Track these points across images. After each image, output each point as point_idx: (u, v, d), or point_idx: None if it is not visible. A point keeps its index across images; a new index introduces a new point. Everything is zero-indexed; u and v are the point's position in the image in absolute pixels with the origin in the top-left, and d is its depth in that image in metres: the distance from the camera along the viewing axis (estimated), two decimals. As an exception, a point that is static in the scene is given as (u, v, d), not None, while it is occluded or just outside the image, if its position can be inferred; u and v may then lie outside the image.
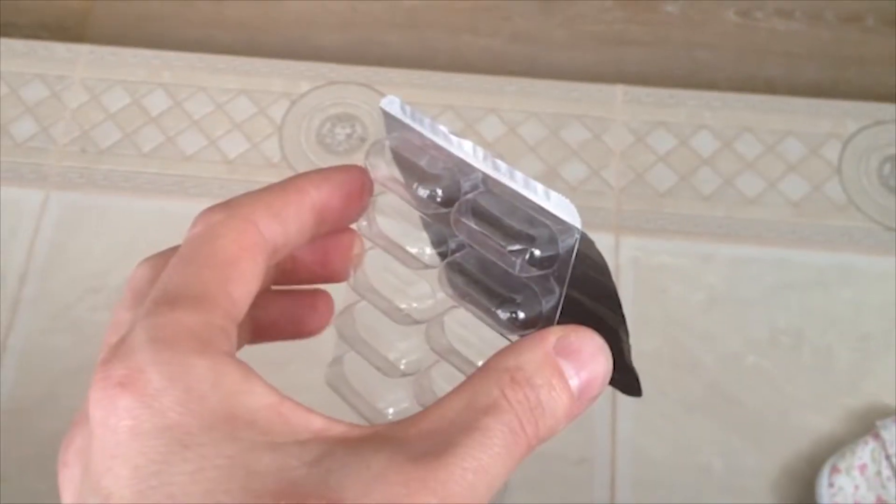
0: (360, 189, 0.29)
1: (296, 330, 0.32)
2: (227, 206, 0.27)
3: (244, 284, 0.26)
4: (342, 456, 0.21)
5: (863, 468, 0.70)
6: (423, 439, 0.22)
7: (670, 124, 0.89)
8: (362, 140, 0.89)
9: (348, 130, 0.89)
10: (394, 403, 0.31)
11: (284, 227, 0.27)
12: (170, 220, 0.85)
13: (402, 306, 0.30)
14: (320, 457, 0.21)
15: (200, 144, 0.89)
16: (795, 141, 0.88)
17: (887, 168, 0.86)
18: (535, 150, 0.88)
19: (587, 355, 0.25)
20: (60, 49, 0.94)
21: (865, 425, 0.75)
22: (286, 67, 0.93)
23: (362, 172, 0.30)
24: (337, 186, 0.29)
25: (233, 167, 0.87)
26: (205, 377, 0.22)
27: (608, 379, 0.25)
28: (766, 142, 0.88)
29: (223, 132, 0.90)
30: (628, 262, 0.82)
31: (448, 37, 1.00)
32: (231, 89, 0.92)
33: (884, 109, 0.90)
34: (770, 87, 0.95)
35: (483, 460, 0.22)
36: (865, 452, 0.71)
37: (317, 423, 0.22)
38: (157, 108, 0.91)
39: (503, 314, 0.27)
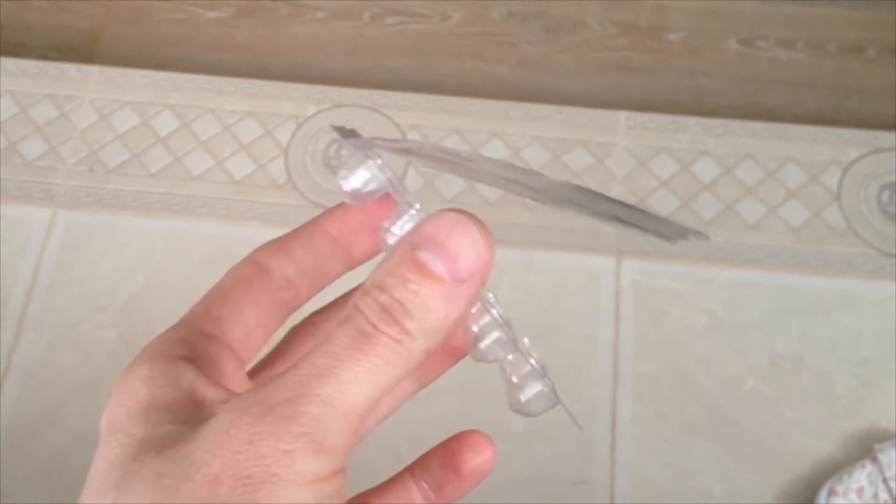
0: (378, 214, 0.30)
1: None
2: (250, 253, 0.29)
3: (231, 307, 0.28)
4: (209, 419, 0.23)
5: (860, 491, 0.70)
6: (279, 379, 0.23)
7: (672, 150, 0.90)
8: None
9: (353, 153, 0.90)
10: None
11: (291, 257, 0.29)
12: (176, 239, 0.86)
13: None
14: (202, 425, 0.23)
15: (207, 165, 0.90)
16: (796, 168, 0.89)
17: (886, 195, 0.87)
18: (538, 174, 0.89)
19: (443, 234, 0.24)
20: (71, 70, 0.95)
21: (864, 449, 0.75)
22: (293, 90, 0.94)
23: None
24: (346, 215, 0.30)
25: (239, 188, 0.88)
26: (142, 376, 0.25)
27: (480, 245, 0.24)
28: (767, 168, 0.89)
29: (230, 153, 0.91)
30: (629, 285, 0.83)
31: (454, 62, 1.01)
32: (238, 111, 0.93)
33: (883, 138, 0.90)
34: (771, 115, 0.96)
35: (324, 364, 0.23)
36: (863, 476, 0.71)
37: (217, 399, 0.24)
38: (165, 128, 0.92)
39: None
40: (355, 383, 0.23)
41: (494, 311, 0.27)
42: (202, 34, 1.02)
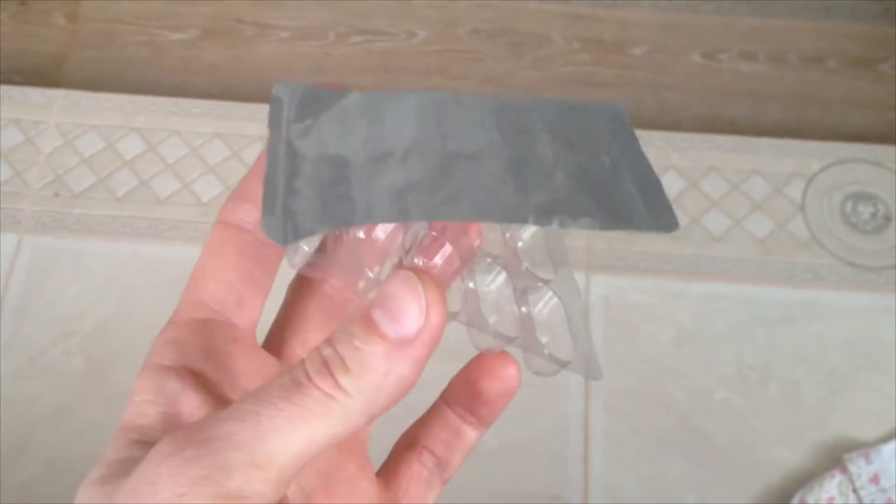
0: None
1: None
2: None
3: (214, 281, 0.27)
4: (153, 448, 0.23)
5: (830, 501, 0.71)
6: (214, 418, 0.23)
7: (638, 164, 0.90)
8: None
9: (321, 173, 0.90)
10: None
11: (255, 199, 0.27)
12: (144, 263, 0.85)
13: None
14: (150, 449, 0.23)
15: (174, 188, 0.89)
16: (760, 180, 0.90)
17: (849, 206, 0.88)
18: (506, 190, 0.89)
19: (391, 292, 0.23)
20: (35, 94, 0.94)
21: (833, 459, 0.76)
22: (260, 111, 0.94)
23: None
24: None
25: (207, 210, 0.88)
26: (133, 391, 0.25)
27: (426, 310, 0.23)
28: (732, 181, 0.90)
29: (197, 175, 0.90)
30: (599, 300, 0.83)
31: (420, 79, 1.01)
32: (205, 133, 0.92)
33: (845, 149, 0.92)
34: (734, 127, 0.97)
35: (247, 409, 0.22)
36: (833, 486, 0.72)
37: (193, 413, 0.25)
38: (131, 152, 0.91)
39: None
40: (275, 433, 0.22)
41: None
42: (167, 56, 1.01)
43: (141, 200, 0.89)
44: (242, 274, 0.27)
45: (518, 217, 0.25)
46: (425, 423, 0.30)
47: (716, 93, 1.01)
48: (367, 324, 0.23)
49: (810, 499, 0.71)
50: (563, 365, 0.28)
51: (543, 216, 0.25)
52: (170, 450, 0.22)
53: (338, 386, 0.23)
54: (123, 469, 0.23)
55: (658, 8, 1.05)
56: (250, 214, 0.28)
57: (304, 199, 0.25)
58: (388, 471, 0.30)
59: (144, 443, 0.24)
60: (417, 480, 0.30)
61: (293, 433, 0.22)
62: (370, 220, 0.25)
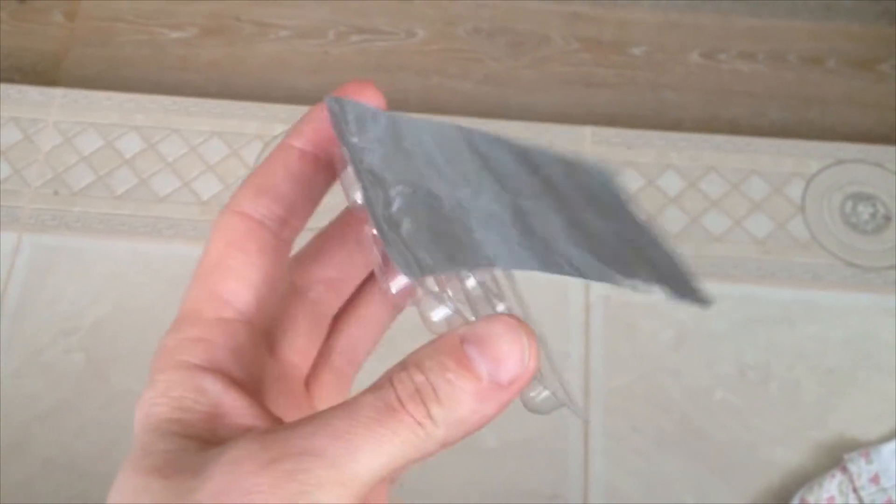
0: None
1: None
2: (232, 196, 0.28)
3: (235, 279, 0.27)
4: (221, 447, 0.23)
5: (831, 501, 0.71)
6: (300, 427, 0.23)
7: (638, 164, 0.91)
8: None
9: (321, 172, 0.90)
10: None
11: (276, 194, 0.27)
12: (143, 261, 0.85)
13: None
14: (213, 457, 0.23)
15: (174, 186, 0.89)
16: (759, 180, 0.90)
17: (849, 206, 0.88)
18: (506, 190, 0.89)
19: (494, 336, 0.24)
20: (33, 93, 0.94)
21: (833, 459, 0.76)
22: (259, 109, 0.94)
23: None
24: (316, 126, 0.29)
25: (206, 208, 0.88)
26: (162, 387, 0.25)
27: (528, 359, 0.24)
28: (731, 181, 0.90)
29: (197, 174, 0.90)
30: (598, 299, 0.83)
31: (419, 79, 1.01)
32: (204, 131, 0.92)
33: (845, 149, 0.92)
34: (734, 127, 0.97)
35: (341, 426, 0.22)
36: (833, 486, 0.72)
37: (241, 425, 0.25)
38: (131, 150, 0.91)
39: None
40: (366, 453, 0.22)
41: None
42: (166, 55, 1.01)
43: (140, 199, 0.89)
44: (263, 275, 0.27)
45: (607, 277, 0.26)
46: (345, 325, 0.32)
47: (715, 93, 1.01)
48: (462, 360, 0.23)
49: (810, 498, 0.72)
50: (562, 403, 0.28)
51: (627, 278, 0.26)
52: (262, 459, 0.22)
53: (428, 415, 0.23)
54: (180, 462, 0.23)
55: (657, 8, 1.05)
56: (271, 210, 0.27)
57: (410, 231, 0.25)
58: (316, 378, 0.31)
59: (195, 437, 0.24)
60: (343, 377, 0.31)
61: (381, 455, 0.23)
62: (490, 265, 0.25)
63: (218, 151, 0.91)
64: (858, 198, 0.89)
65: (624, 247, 0.28)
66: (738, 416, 0.79)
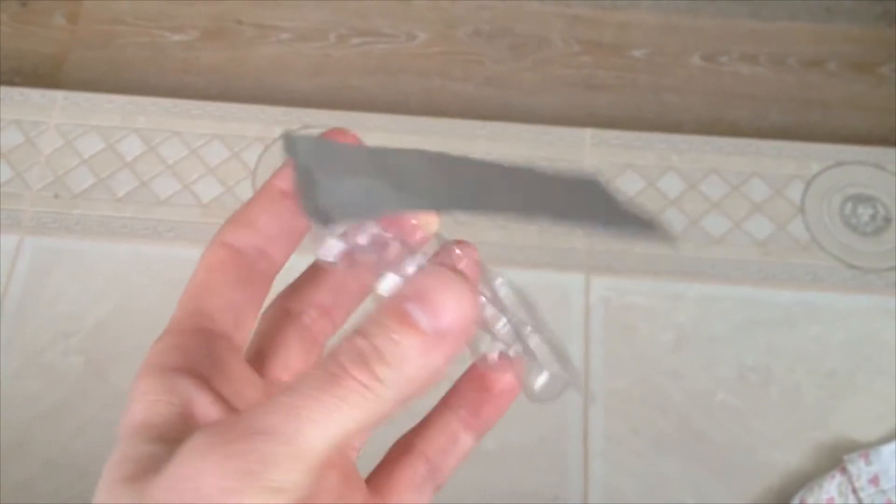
0: None
1: None
2: (215, 234, 0.29)
3: (216, 297, 0.28)
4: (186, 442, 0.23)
5: (830, 502, 0.71)
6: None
7: (638, 166, 0.91)
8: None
9: (321, 174, 0.90)
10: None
11: (255, 228, 0.29)
12: (144, 264, 0.85)
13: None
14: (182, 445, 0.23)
15: (174, 189, 0.90)
16: (760, 182, 0.90)
17: (849, 207, 0.88)
18: (506, 192, 0.89)
19: (430, 288, 0.24)
20: (35, 95, 0.94)
21: (833, 460, 0.76)
22: (260, 112, 0.94)
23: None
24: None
25: (207, 211, 0.88)
26: (139, 391, 0.26)
27: (465, 304, 0.24)
28: (732, 183, 0.90)
29: (197, 176, 0.90)
30: (599, 301, 0.83)
31: (420, 81, 1.01)
32: (205, 134, 0.93)
33: (845, 151, 0.92)
34: (735, 130, 0.97)
35: (286, 402, 0.23)
36: (832, 486, 0.72)
37: (208, 413, 0.25)
38: (132, 153, 0.91)
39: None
40: (314, 424, 0.23)
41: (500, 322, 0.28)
42: (167, 57, 1.02)
43: (141, 201, 0.89)
44: (242, 296, 0.28)
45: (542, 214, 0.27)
46: (423, 428, 0.31)
47: (716, 95, 1.01)
48: (403, 318, 0.24)
49: (810, 499, 0.71)
50: (566, 381, 0.28)
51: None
52: (210, 444, 0.22)
53: (375, 377, 0.23)
54: (149, 466, 0.23)
55: (658, 10, 1.05)
56: (249, 241, 0.29)
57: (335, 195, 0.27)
58: (380, 476, 0.31)
59: (165, 439, 0.24)
60: (410, 486, 0.31)
61: (331, 424, 0.23)
62: (397, 210, 0.26)
63: (219, 154, 0.92)
64: (859, 199, 0.89)
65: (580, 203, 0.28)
66: (738, 418, 0.79)
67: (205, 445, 0.22)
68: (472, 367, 0.31)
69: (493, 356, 0.29)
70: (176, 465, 0.22)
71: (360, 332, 0.24)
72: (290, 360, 0.31)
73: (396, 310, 0.24)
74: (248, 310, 0.29)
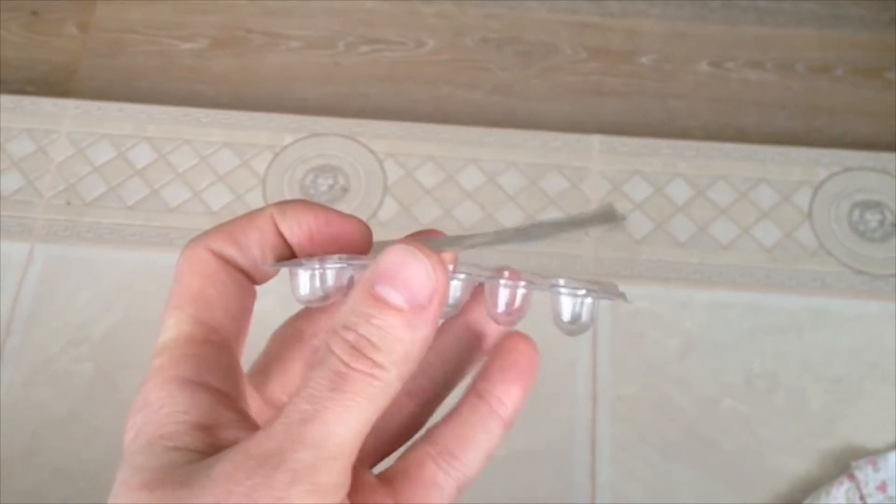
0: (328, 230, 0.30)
1: None
2: (199, 236, 0.30)
3: (218, 308, 0.28)
4: (208, 462, 0.24)
5: (837, 509, 0.71)
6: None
7: (646, 173, 0.91)
8: (345, 190, 0.91)
9: (331, 181, 0.91)
10: None
11: (242, 250, 0.29)
12: (154, 271, 0.86)
13: None
14: (202, 470, 0.24)
15: (185, 196, 0.90)
16: (767, 188, 0.90)
17: (857, 213, 0.88)
18: (515, 199, 0.90)
19: (394, 266, 0.25)
20: (47, 104, 0.95)
21: (840, 466, 0.76)
22: (269, 120, 0.95)
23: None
24: (298, 214, 0.30)
25: (217, 218, 0.88)
26: (144, 401, 0.26)
27: (432, 272, 0.25)
28: (739, 189, 0.90)
29: (207, 184, 0.91)
30: (606, 308, 0.84)
31: (429, 89, 1.02)
32: (215, 142, 0.93)
33: (853, 157, 0.92)
34: (742, 136, 0.97)
35: (306, 409, 0.24)
36: (840, 493, 0.71)
37: (232, 436, 0.26)
38: (142, 161, 0.92)
39: None
40: (339, 424, 0.24)
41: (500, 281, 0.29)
42: (177, 66, 1.02)
43: (151, 209, 0.89)
44: (240, 308, 0.29)
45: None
46: (456, 417, 0.31)
47: (723, 101, 1.01)
48: (379, 301, 0.25)
49: (817, 506, 0.71)
50: (602, 291, 0.30)
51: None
52: (251, 464, 0.23)
53: (375, 364, 0.24)
54: (168, 475, 0.24)
55: (665, 17, 1.05)
56: (238, 258, 0.29)
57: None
58: (398, 470, 0.31)
59: (184, 450, 0.25)
60: (430, 482, 0.31)
61: (352, 418, 0.24)
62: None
63: (228, 162, 0.92)
64: (866, 205, 0.89)
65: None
66: (745, 425, 0.79)
67: (244, 467, 0.23)
68: (495, 353, 0.32)
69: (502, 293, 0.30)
70: (216, 484, 0.23)
71: (344, 325, 0.25)
72: (290, 381, 0.31)
73: (370, 295, 0.25)
74: (244, 324, 0.29)
